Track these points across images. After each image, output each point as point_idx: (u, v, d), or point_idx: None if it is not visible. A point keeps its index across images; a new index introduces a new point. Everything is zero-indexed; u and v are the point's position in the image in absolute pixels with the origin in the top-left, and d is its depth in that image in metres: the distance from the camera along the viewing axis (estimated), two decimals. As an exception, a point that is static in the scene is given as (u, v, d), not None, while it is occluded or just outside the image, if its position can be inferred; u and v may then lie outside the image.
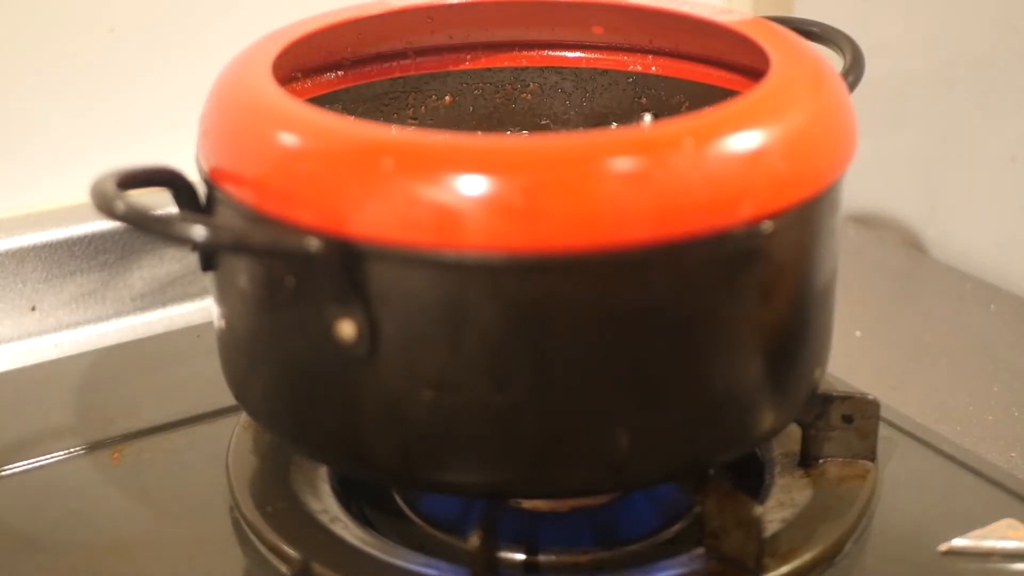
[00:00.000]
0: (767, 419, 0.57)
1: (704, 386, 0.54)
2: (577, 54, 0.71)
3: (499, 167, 0.50)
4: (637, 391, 0.53)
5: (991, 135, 0.87)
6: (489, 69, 0.71)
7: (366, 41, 0.67)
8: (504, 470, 0.54)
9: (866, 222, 0.95)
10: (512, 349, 0.51)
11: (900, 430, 0.67)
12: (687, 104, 0.68)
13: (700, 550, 0.57)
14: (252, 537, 0.60)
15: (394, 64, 0.69)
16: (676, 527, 0.61)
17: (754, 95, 0.55)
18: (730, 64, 0.66)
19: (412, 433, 0.53)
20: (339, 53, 0.67)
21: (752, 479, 0.63)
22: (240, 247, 0.52)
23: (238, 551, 0.60)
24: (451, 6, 0.69)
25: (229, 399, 0.60)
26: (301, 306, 0.53)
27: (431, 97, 0.70)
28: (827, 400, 0.62)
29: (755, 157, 0.52)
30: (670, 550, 0.59)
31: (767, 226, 0.52)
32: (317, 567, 0.57)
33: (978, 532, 0.60)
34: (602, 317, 0.51)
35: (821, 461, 0.63)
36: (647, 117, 0.69)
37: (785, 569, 0.57)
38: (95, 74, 0.83)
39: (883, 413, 0.64)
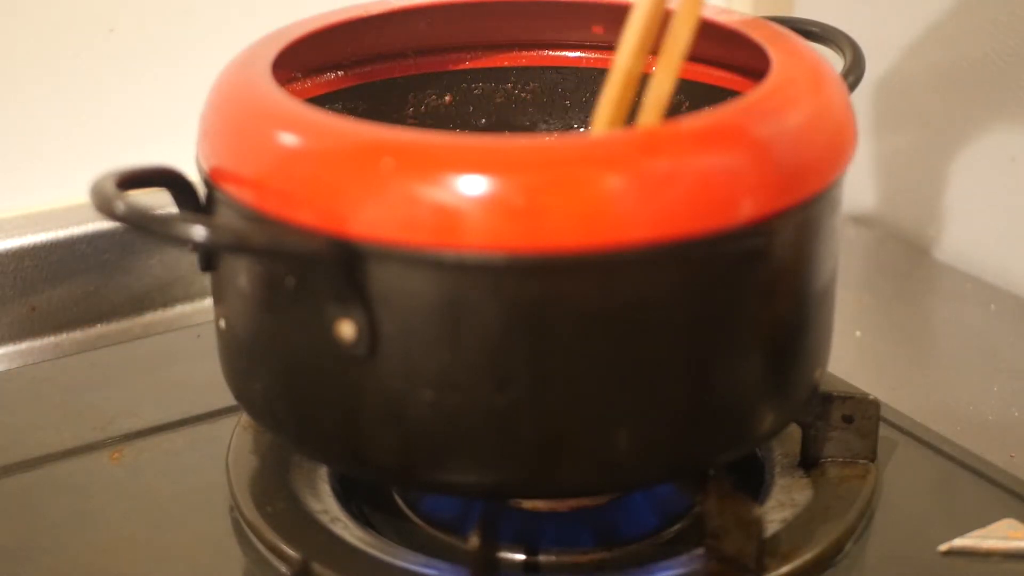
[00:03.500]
0: (767, 419, 0.57)
1: (704, 386, 0.54)
2: (577, 54, 0.71)
3: (499, 167, 0.50)
4: (637, 391, 0.53)
5: (991, 135, 0.87)
6: (489, 69, 0.71)
7: (366, 41, 0.67)
8: (504, 470, 0.54)
9: (866, 222, 0.95)
10: (512, 349, 0.51)
11: (900, 430, 0.67)
12: (687, 104, 0.68)
13: (700, 550, 0.57)
14: (252, 537, 0.60)
15: (394, 64, 0.69)
16: (676, 527, 0.61)
17: (754, 95, 0.55)
18: (730, 64, 0.66)
19: (412, 433, 0.53)
20: (339, 53, 0.67)
21: (752, 479, 0.63)
22: (240, 247, 0.52)
23: (238, 551, 0.60)
24: (451, 6, 0.69)
25: (229, 399, 0.60)
26: (301, 306, 0.53)
27: (431, 97, 0.70)
28: (827, 400, 0.62)
29: (755, 157, 0.52)
30: (670, 550, 0.59)
31: (767, 226, 0.52)
32: (317, 567, 0.57)
33: (978, 532, 0.60)
34: (602, 317, 0.51)
35: (821, 461, 0.63)
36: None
37: (785, 569, 0.57)
38: (95, 74, 0.83)
39: (883, 413, 0.64)
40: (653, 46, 0.56)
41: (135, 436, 0.68)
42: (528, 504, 0.60)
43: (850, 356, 0.73)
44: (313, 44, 0.64)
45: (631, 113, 0.56)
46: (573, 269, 0.50)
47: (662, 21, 0.56)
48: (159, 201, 0.53)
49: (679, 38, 0.55)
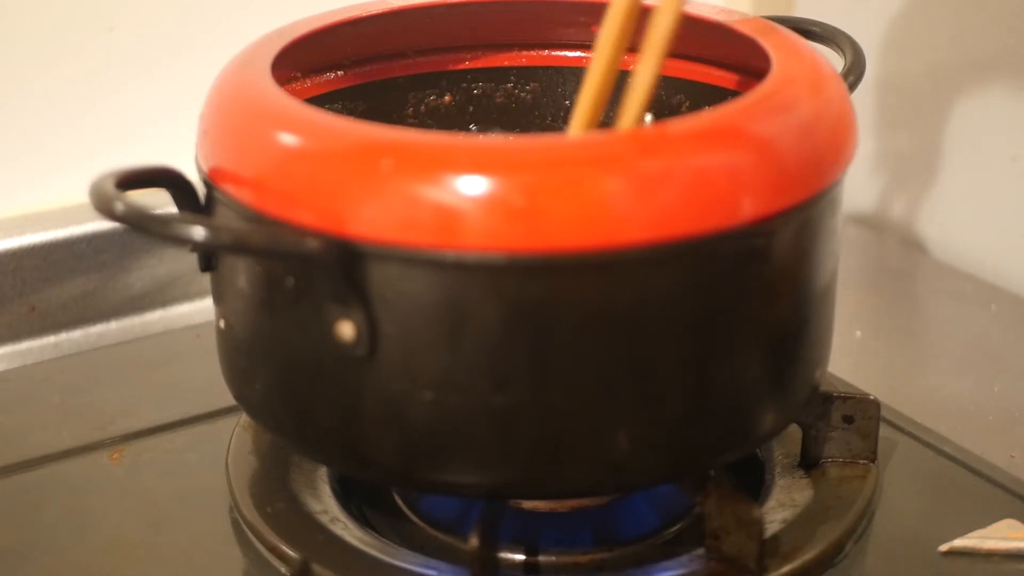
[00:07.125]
0: (768, 419, 0.57)
1: (704, 386, 0.54)
2: (577, 54, 0.71)
3: (499, 167, 0.50)
4: (637, 391, 0.53)
5: (991, 135, 0.87)
6: (489, 69, 0.71)
7: (366, 41, 0.67)
8: (504, 471, 0.54)
9: (866, 222, 0.95)
10: (512, 349, 0.51)
11: (900, 430, 0.67)
12: (687, 104, 0.68)
13: (700, 550, 0.57)
14: (252, 537, 0.60)
15: (394, 64, 0.69)
16: (676, 527, 0.61)
17: (754, 95, 0.55)
18: (730, 64, 0.66)
19: (412, 433, 0.53)
20: (339, 53, 0.67)
21: (753, 479, 0.63)
22: (240, 247, 0.52)
23: (238, 551, 0.60)
24: (451, 6, 0.69)
25: (229, 399, 0.60)
26: (301, 306, 0.53)
27: (431, 97, 0.70)
28: (828, 400, 0.62)
29: (755, 157, 0.52)
30: (670, 550, 0.59)
31: (767, 226, 0.52)
32: (317, 567, 0.57)
33: (978, 532, 0.60)
34: (602, 317, 0.51)
35: (821, 461, 0.63)
36: (647, 117, 0.69)
37: (785, 569, 0.57)
38: (95, 74, 0.83)
39: (883, 413, 0.64)
40: (631, 43, 0.56)
41: (135, 436, 0.68)
42: (528, 504, 0.60)
43: (850, 356, 0.73)
44: (313, 44, 0.64)
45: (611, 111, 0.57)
46: (573, 269, 0.50)
47: (639, 17, 0.56)
48: (159, 201, 0.53)
49: (660, 33, 0.54)
